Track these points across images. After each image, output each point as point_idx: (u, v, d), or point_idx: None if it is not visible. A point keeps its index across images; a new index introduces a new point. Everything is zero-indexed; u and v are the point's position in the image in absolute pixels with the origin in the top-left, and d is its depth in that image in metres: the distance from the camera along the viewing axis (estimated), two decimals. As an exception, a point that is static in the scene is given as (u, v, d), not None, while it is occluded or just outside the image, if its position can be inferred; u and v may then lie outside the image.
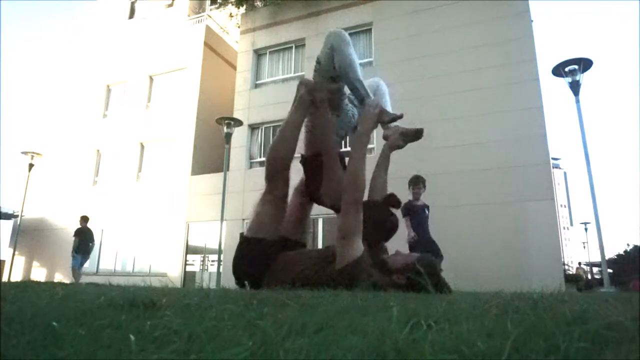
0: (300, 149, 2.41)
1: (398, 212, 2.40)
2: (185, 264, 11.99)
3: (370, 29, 11.57)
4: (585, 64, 7.28)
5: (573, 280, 16.68)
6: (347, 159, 2.25)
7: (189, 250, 12.13)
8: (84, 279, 8.68)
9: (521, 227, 8.54)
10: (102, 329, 0.73)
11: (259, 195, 2.28)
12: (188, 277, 11.78)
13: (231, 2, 13.74)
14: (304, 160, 2.43)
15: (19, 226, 11.90)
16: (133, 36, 15.17)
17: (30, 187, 11.74)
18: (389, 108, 2.48)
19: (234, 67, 13.52)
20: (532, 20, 9.82)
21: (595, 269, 22.87)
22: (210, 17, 14.91)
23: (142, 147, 13.74)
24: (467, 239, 8.39)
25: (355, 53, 2.32)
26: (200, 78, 13.31)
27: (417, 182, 4.91)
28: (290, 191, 2.36)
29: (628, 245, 28.98)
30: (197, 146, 12.78)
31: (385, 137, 2.58)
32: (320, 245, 9.98)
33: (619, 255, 26.77)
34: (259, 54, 13.18)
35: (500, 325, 0.75)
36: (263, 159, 11.69)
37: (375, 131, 2.40)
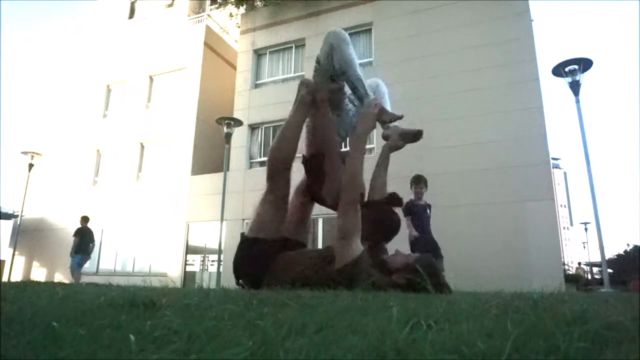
0: (301, 149, 2.41)
1: (400, 212, 2.40)
2: (185, 264, 11.99)
3: (370, 29, 11.57)
4: (585, 64, 7.27)
5: (573, 280, 16.69)
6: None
7: (189, 250, 12.13)
8: (84, 279, 8.68)
9: (521, 227, 8.54)
10: (102, 329, 0.73)
11: (260, 195, 2.28)
12: (188, 277, 11.78)
13: (231, 2, 13.74)
14: (306, 161, 2.43)
15: (19, 226, 11.90)
16: (133, 36, 15.17)
17: (30, 187, 11.73)
18: (388, 108, 2.48)
19: (234, 67, 13.52)
20: (532, 20, 9.82)
21: (595, 269, 22.86)
22: (210, 17, 14.91)
23: (142, 147, 13.74)
24: (467, 239, 8.39)
25: (354, 52, 2.33)
26: (200, 78, 13.31)
27: (418, 182, 4.92)
28: (291, 191, 2.36)
29: (628, 245, 29.00)
30: (197, 146, 12.78)
31: (385, 137, 2.58)
32: (320, 245, 9.98)
33: (619, 255, 26.77)
34: (259, 54, 13.18)
35: (500, 325, 0.75)
36: (263, 159, 11.73)
37: (375, 131, 2.40)
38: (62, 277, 12.51)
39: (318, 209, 2.47)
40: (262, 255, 2.11)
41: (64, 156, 14.84)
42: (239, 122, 9.45)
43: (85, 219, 9.02)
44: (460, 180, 9.12)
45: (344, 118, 2.54)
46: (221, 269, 8.58)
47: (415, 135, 2.51)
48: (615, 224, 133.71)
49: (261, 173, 2.25)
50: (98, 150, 14.50)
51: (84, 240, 8.82)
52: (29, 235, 13.89)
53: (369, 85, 2.41)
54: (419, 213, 4.81)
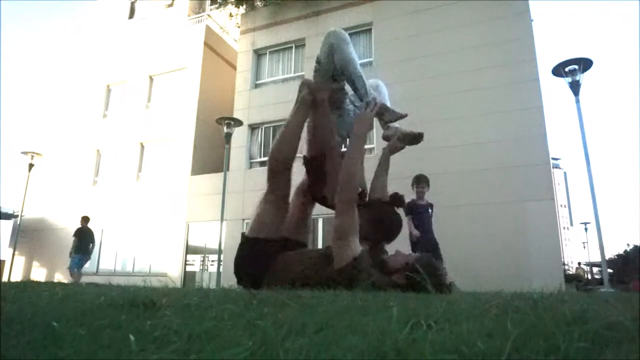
0: (302, 149, 2.41)
1: (401, 212, 2.40)
2: (185, 264, 11.99)
3: (370, 29, 11.57)
4: (585, 64, 7.28)
5: (573, 280, 16.69)
6: None
7: (189, 250, 12.13)
8: (84, 279, 8.68)
9: (521, 227, 8.54)
10: (102, 329, 0.73)
11: (261, 195, 2.28)
12: (188, 277, 11.78)
13: (231, 2, 13.74)
14: (306, 161, 2.43)
15: (19, 226, 11.90)
16: (133, 36, 15.17)
17: (30, 187, 11.73)
18: None
19: (234, 67, 13.52)
20: (532, 20, 9.82)
21: (595, 269, 22.86)
22: (210, 17, 14.91)
23: (142, 147, 13.74)
24: (467, 239, 8.39)
25: (355, 52, 2.33)
26: (200, 78, 13.31)
27: (420, 181, 4.92)
28: (292, 191, 2.36)
29: (628, 245, 29.01)
30: (197, 146, 12.78)
31: (385, 138, 2.58)
32: (320, 245, 9.98)
33: (619, 255, 26.77)
34: (259, 54, 13.18)
35: (500, 325, 0.75)
36: (263, 159, 11.74)
37: (375, 131, 2.41)
38: (62, 277, 12.50)
39: (318, 209, 2.47)
40: (262, 255, 2.11)
41: (64, 156, 14.84)
42: (239, 122, 9.45)
43: (85, 219, 9.02)
44: (460, 180, 9.12)
45: (345, 118, 2.54)
46: (221, 269, 8.58)
47: (415, 138, 2.51)
48: (615, 224, 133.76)
49: (261, 173, 2.25)
50: (98, 150, 14.51)
51: (84, 241, 8.81)
52: (29, 235, 13.89)
53: (369, 86, 2.41)
54: (420, 213, 4.81)
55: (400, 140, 2.51)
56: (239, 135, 11.65)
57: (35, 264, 14.36)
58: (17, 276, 13.04)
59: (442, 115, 9.54)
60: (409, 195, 4.81)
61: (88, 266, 9.87)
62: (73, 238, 8.84)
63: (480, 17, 10.11)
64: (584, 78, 7.33)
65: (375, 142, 9.01)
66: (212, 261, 11.48)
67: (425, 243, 4.59)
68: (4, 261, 12.97)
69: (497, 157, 9.07)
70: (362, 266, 1.88)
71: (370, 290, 1.55)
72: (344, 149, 2.57)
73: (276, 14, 12.90)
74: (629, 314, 0.85)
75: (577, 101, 7.24)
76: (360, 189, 2.45)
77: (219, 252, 8.59)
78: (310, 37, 12.02)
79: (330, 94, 2.38)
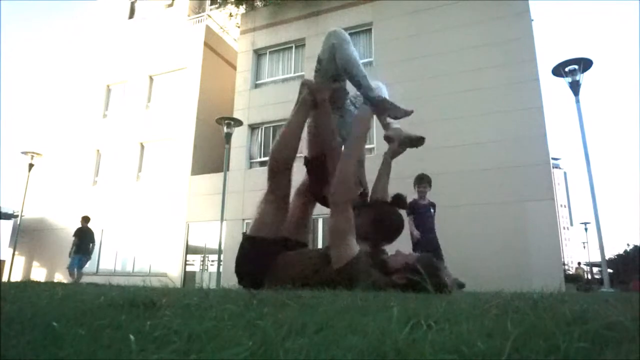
0: (302, 149, 2.41)
1: (403, 212, 2.40)
2: (185, 264, 11.99)
3: (370, 29, 11.57)
4: (585, 64, 7.28)
5: (573, 280, 16.70)
6: None
7: (189, 250, 12.14)
8: (84, 279, 8.68)
9: (521, 227, 8.54)
10: (102, 329, 0.73)
11: (261, 196, 2.28)
12: (188, 277, 11.78)
13: (231, 2, 13.74)
14: (307, 161, 2.43)
15: (19, 226, 11.90)
16: (133, 36, 15.17)
17: (30, 187, 11.74)
18: None
19: (234, 67, 13.52)
20: (532, 20, 9.82)
21: (595, 269, 22.86)
22: (210, 17, 14.91)
23: (142, 147, 13.74)
24: (467, 239, 8.38)
25: (356, 51, 2.32)
26: (200, 78, 13.32)
27: (422, 181, 4.91)
28: (292, 191, 2.36)
29: (628, 245, 29.01)
30: (197, 146, 12.79)
31: (387, 138, 2.57)
32: (320, 245, 9.98)
33: (619, 255, 26.78)
34: (259, 54, 13.18)
35: (500, 325, 0.75)
36: (263, 159, 11.74)
37: (375, 130, 2.41)
38: (62, 277, 12.50)
39: (318, 209, 2.48)
40: (263, 255, 2.11)
41: (64, 156, 14.84)
42: (239, 122, 9.46)
43: (85, 219, 9.02)
44: (460, 180, 9.12)
45: (345, 118, 2.53)
46: (221, 269, 8.58)
47: (416, 141, 2.50)
48: (615, 224, 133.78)
49: (261, 173, 2.25)
50: (98, 150, 14.51)
51: (84, 241, 8.81)
52: (29, 235, 13.89)
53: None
54: (421, 212, 4.80)
55: (402, 143, 2.50)
56: (239, 135, 11.65)
57: (35, 264, 14.36)
58: (17, 276, 13.05)
59: (442, 115, 9.54)
60: (411, 195, 4.81)
61: (88, 266, 9.86)
62: (73, 238, 8.84)
63: (480, 17, 10.11)
64: (584, 78, 7.34)
65: (376, 142, 9.01)
66: (212, 261, 11.49)
67: (426, 243, 4.58)
68: (4, 261, 12.98)
69: (497, 157, 9.07)
70: (362, 266, 1.88)
71: (370, 290, 1.54)
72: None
73: (276, 14, 12.91)
74: (629, 314, 0.85)
75: (577, 101, 7.25)
76: (361, 189, 2.46)
77: (219, 252, 8.59)
78: (310, 37, 12.02)
79: (330, 94, 2.37)
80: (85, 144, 14.57)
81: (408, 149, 2.59)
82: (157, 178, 13.06)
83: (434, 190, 5.15)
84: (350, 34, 2.40)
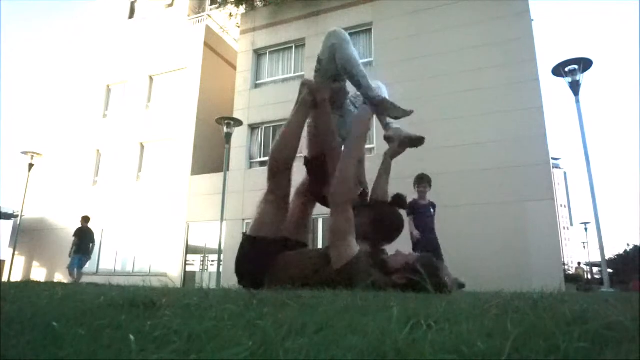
0: (303, 149, 2.41)
1: (403, 212, 2.40)
2: (185, 264, 11.99)
3: (370, 29, 11.57)
4: (585, 64, 7.28)
5: (573, 280, 16.70)
6: None
7: (189, 250, 12.14)
8: (84, 279, 8.68)
9: (521, 227, 8.54)
10: (102, 329, 0.73)
11: (261, 195, 2.28)
12: (188, 277, 11.78)
13: (231, 2, 13.74)
14: (307, 161, 2.43)
15: (19, 226, 11.90)
16: (133, 36, 15.17)
17: (30, 187, 11.74)
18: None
19: (234, 67, 13.53)
20: (532, 20, 9.82)
21: (595, 269, 22.86)
22: (210, 17, 14.91)
23: (142, 147, 13.74)
24: (467, 239, 8.38)
25: (356, 51, 2.32)
26: (200, 78, 13.31)
27: (422, 181, 4.91)
28: (292, 191, 2.36)
29: (628, 245, 29.01)
30: (197, 146, 12.79)
31: (387, 138, 2.57)
32: (320, 245, 9.98)
33: (619, 255, 26.79)
34: (259, 54, 13.18)
35: (500, 325, 0.75)
36: (263, 159, 11.74)
37: (375, 130, 2.41)
38: (62, 277, 12.50)
39: (318, 209, 2.48)
40: (263, 255, 2.11)
41: (64, 156, 14.84)
42: (239, 122, 9.46)
43: (85, 219, 9.02)
44: (460, 180, 9.12)
45: (345, 119, 2.53)
46: (221, 269, 8.58)
47: (417, 141, 2.50)
48: (615, 224, 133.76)
49: (261, 173, 2.25)
50: (98, 150, 14.51)
51: (84, 240, 8.81)
52: (29, 235, 13.89)
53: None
54: (421, 213, 4.80)
55: (401, 145, 2.50)
56: (239, 135, 11.65)
57: (35, 264, 14.36)
58: (17, 276, 13.05)
59: (442, 115, 9.54)
60: (411, 196, 4.81)
61: (88, 266, 9.87)
62: (73, 238, 8.84)
63: (480, 17, 10.11)
64: (584, 78, 7.34)
65: (376, 142, 9.01)
66: (212, 261, 11.49)
67: (427, 243, 4.58)
68: (4, 261, 12.98)
69: (497, 157, 9.07)
70: (362, 266, 1.88)
71: (370, 290, 1.54)
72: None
73: (276, 14, 12.91)
74: (629, 314, 0.85)
75: (577, 101, 7.25)
76: (361, 189, 2.46)
77: (219, 252, 8.59)
78: (310, 37, 12.02)
79: (330, 94, 2.37)
80: (85, 144, 14.57)
81: (408, 149, 2.59)
82: (157, 178, 13.06)
83: (434, 190, 5.15)
84: (350, 34, 2.40)
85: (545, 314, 0.87)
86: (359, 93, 2.56)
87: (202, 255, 11.94)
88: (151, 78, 14.36)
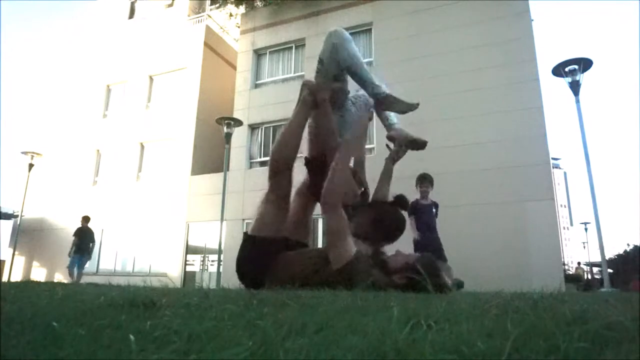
0: (303, 149, 2.41)
1: (404, 212, 2.40)
2: (185, 264, 11.99)
3: (370, 29, 11.56)
4: (585, 64, 7.28)
5: (573, 280, 16.69)
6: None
7: (189, 250, 12.13)
8: (84, 279, 8.68)
9: (521, 227, 8.54)
10: (102, 329, 0.73)
11: (262, 195, 2.29)
12: (188, 277, 11.78)
13: (231, 2, 13.74)
14: (308, 161, 2.44)
15: (19, 226, 11.90)
16: (133, 36, 15.17)
17: (30, 187, 11.74)
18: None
19: (234, 67, 13.52)
20: (532, 20, 9.82)
21: (595, 269, 22.85)
22: (210, 17, 14.91)
23: (142, 147, 13.74)
24: (467, 239, 8.38)
25: (358, 50, 2.33)
26: (200, 78, 13.31)
27: (424, 181, 4.89)
28: (293, 191, 2.36)
29: (628, 245, 29.00)
30: (197, 146, 12.79)
31: (389, 137, 2.56)
32: (320, 245, 9.98)
33: (619, 255, 26.78)
34: (259, 54, 13.18)
35: (500, 325, 0.75)
36: (263, 159, 11.74)
37: (375, 130, 2.41)
38: (62, 277, 12.50)
39: (318, 209, 2.47)
40: (263, 255, 2.12)
41: (64, 156, 14.84)
42: (239, 122, 9.45)
43: (86, 219, 9.02)
44: (460, 180, 9.12)
45: (345, 119, 2.54)
46: (221, 269, 8.58)
47: (419, 145, 2.50)
48: (615, 224, 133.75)
49: (261, 173, 2.25)
50: (98, 150, 14.50)
51: (84, 240, 8.81)
52: (29, 235, 13.89)
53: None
54: (423, 213, 4.78)
55: (403, 145, 2.50)
56: (239, 135, 11.65)
57: (35, 264, 14.35)
58: (17, 276, 13.05)
59: (442, 115, 9.54)
60: (413, 196, 4.80)
61: (88, 266, 9.87)
62: (73, 238, 8.84)
63: (480, 17, 10.11)
64: (584, 78, 7.33)
65: (376, 142, 9.01)
66: (212, 261, 11.49)
67: (427, 243, 4.56)
68: (4, 261, 12.98)
69: (497, 157, 9.07)
70: (361, 266, 1.88)
71: (370, 290, 1.54)
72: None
73: (276, 14, 12.90)
74: (629, 314, 0.85)
75: (577, 101, 7.25)
76: (362, 189, 2.46)
77: (219, 252, 8.58)
78: (310, 37, 12.02)
79: (331, 94, 2.38)
80: (85, 144, 14.57)
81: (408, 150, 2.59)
82: (157, 178, 13.06)
83: (435, 190, 5.14)
84: (350, 34, 2.40)
85: (545, 314, 0.87)
86: (359, 93, 2.56)
87: (202, 255, 11.94)
88: (151, 78, 14.36)
